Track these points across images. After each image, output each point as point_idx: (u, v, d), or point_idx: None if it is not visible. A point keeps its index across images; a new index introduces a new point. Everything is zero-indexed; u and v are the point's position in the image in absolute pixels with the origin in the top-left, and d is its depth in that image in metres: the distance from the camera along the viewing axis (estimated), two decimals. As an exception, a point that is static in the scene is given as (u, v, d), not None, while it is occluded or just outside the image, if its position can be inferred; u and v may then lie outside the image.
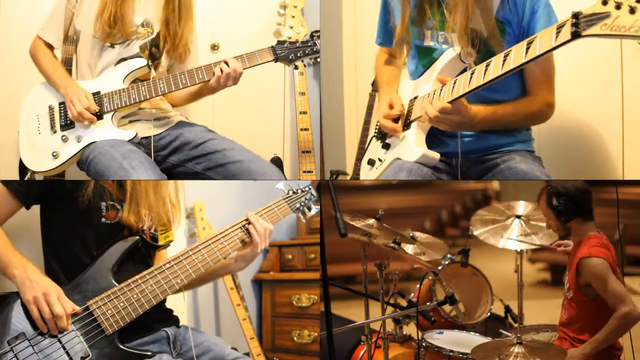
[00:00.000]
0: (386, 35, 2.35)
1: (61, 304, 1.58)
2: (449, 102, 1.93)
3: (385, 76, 2.37)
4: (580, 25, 1.50)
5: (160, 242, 1.87)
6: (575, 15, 1.51)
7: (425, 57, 2.17)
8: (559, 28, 1.58)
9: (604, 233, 2.12)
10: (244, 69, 2.20)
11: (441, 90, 2.01)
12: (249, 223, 1.90)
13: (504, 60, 1.76)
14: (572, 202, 2.08)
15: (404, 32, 2.17)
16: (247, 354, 2.56)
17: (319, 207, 2.11)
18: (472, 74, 1.88)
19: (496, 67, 1.79)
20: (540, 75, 2.08)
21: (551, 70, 2.11)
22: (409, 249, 2.49)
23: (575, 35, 1.52)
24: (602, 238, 2.08)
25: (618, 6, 1.44)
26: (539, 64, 1.97)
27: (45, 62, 2.28)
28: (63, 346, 1.57)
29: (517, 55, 1.73)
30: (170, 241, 1.90)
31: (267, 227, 1.91)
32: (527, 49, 1.69)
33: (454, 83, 1.95)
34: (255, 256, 1.93)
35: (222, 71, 2.17)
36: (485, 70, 1.83)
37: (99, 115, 2.17)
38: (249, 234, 1.89)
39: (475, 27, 1.98)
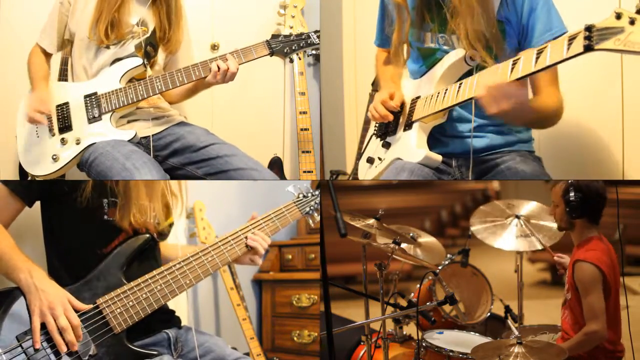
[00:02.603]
0: (384, 37, 2.35)
1: (67, 316, 1.56)
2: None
3: (388, 74, 2.36)
4: (593, 38, 1.49)
5: (163, 228, 1.87)
6: (588, 28, 1.50)
7: (428, 58, 2.17)
8: (571, 40, 1.57)
9: (604, 233, 2.11)
10: (240, 64, 2.20)
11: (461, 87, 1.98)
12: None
13: (512, 68, 1.75)
14: (587, 202, 2.07)
15: (402, 35, 2.16)
16: (247, 354, 2.55)
17: None
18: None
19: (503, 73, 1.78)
20: (550, 75, 2.06)
21: (556, 69, 2.10)
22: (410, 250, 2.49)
23: (588, 49, 1.51)
24: (603, 242, 2.07)
25: (632, 22, 1.43)
26: None
27: (32, 66, 2.28)
28: None
29: (526, 63, 1.71)
30: (171, 223, 1.89)
31: (264, 243, 1.92)
32: (537, 58, 1.67)
33: (459, 86, 1.94)
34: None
35: (218, 68, 2.17)
36: None
37: (98, 118, 2.16)
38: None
39: (478, 28, 1.97)
